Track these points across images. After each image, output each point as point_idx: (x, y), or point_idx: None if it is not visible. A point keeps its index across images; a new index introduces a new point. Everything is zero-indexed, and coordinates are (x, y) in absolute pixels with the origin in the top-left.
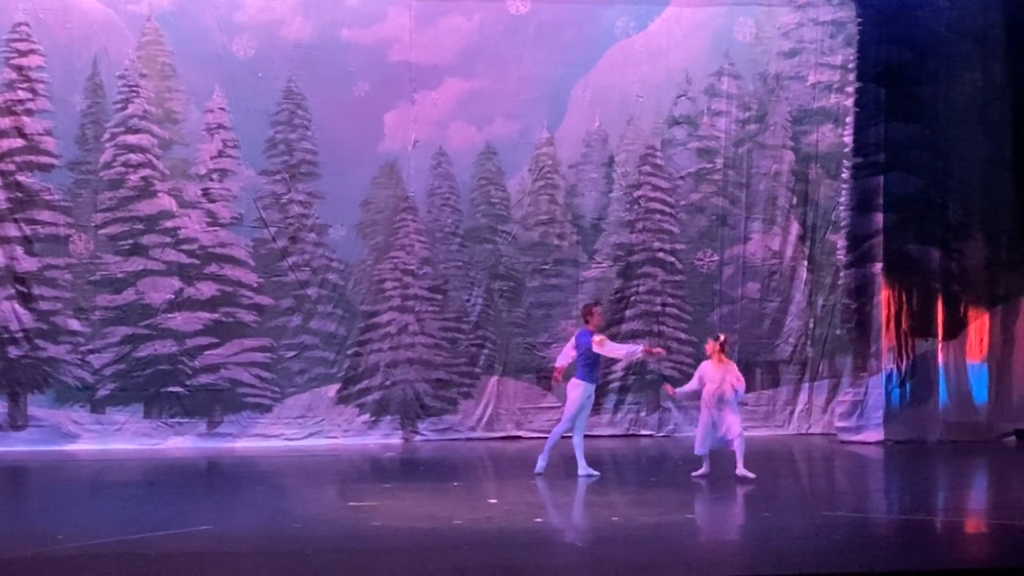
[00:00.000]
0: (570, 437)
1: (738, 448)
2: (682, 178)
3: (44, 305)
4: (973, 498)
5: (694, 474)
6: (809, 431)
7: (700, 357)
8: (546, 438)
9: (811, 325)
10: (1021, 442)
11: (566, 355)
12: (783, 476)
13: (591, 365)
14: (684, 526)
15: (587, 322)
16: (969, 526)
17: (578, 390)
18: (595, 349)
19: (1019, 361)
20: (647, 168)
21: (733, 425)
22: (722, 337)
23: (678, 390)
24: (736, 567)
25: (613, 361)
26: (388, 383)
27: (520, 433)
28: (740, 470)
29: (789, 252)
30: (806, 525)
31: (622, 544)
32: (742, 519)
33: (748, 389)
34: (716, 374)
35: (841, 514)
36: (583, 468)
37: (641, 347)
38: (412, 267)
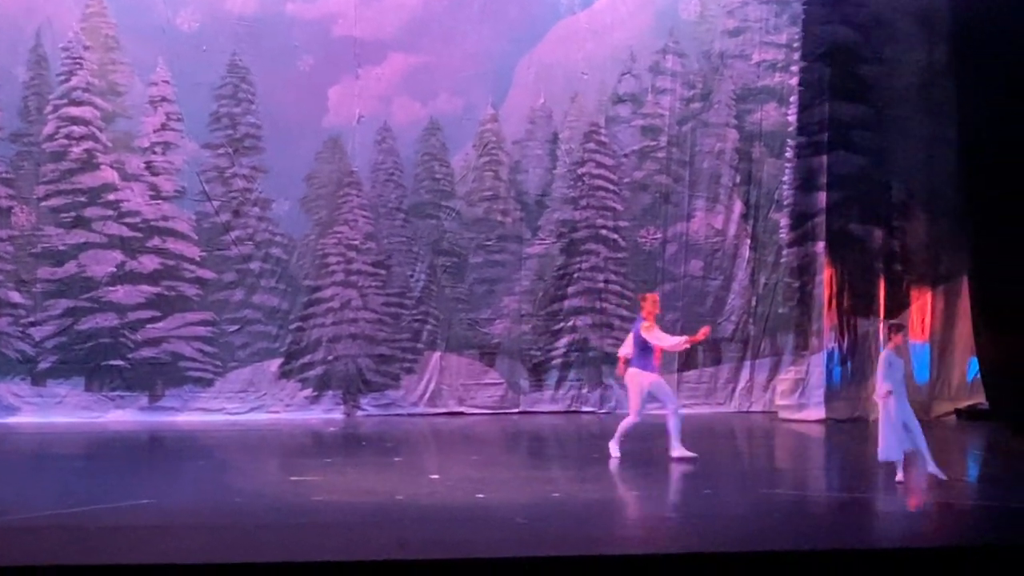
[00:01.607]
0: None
1: (926, 449)
2: (626, 156)
3: None
4: (912, 478)
5: (898, 479)
6: (750, 409)
7: None
8: (488, 414)
9: (753, 303)
10: (961, 421)
11: (627, 344)
12: (723, 454)
13: (645, 352)
14: (625, 503)
15: (642, 308)
16: (908, 505)
17: (636, 380)
18: (642, 334)
19: (960, 340)
20: (591, 145)
21: (917, 425)
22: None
23: (883, 392)
24: (674, 544)
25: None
26: (330, 358)
27: (462, 409)
28: (933, 468)
29: (732, 230)
30: (746, 503)
31: (562, 520)
32: (682, 497)
33: (689, 366)
34: (901, 363)
35: (781, 492)
36: (678, 448)
37: (685, 338)
38: (356, 242)
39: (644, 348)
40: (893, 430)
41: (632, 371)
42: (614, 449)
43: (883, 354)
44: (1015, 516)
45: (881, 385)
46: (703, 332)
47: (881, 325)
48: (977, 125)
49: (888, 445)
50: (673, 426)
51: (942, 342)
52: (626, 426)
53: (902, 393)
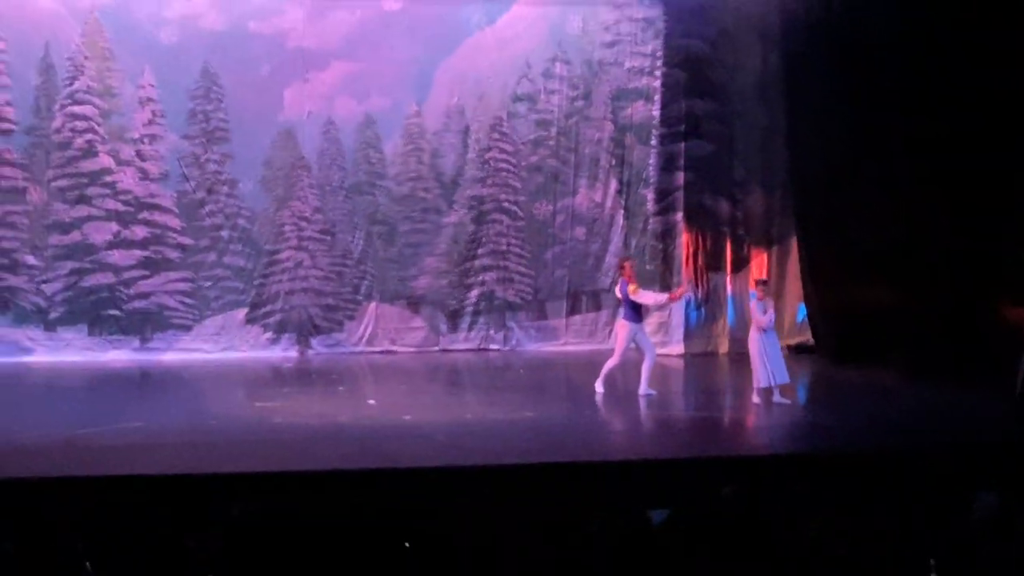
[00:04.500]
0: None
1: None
2: (523, 144)
3: (5, 244)
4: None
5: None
6: None
7: (537, 287)
8: (414, 352)
9: None
10: (791, 354)
11: (621, 292)
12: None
13: (633, 307)
14: (520, 423)
15: (622, 273)
16: (747, 420)
17: (625, 330)
18: (632, 297)
19: (790, 291)
20: (496, 135)
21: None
22: None
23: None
24: (553, 454)
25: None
26: (287, 308)
27: (394, 348)
28: (778, 397)
29: (609, 203)
30: (623, 420)
31: (472, 437)
32: (568, 417)
33: (576, 311)
34: (771, 311)
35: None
36: (645, 387)
37: (667, 295)
38: (307, 214)
39: (633, 304)
40: (765, 362)
41: (621, 322)
42: (599, 386)
43: (753, 303)
44: (826, 429)
45: (760, 318)
46: (680, 291)
47: (728, 278)
48: (802, 116)
49: (763, 374)
50: (647, 368)
51: (776, 292)
52: (611, 366)
53: (772, 333)
